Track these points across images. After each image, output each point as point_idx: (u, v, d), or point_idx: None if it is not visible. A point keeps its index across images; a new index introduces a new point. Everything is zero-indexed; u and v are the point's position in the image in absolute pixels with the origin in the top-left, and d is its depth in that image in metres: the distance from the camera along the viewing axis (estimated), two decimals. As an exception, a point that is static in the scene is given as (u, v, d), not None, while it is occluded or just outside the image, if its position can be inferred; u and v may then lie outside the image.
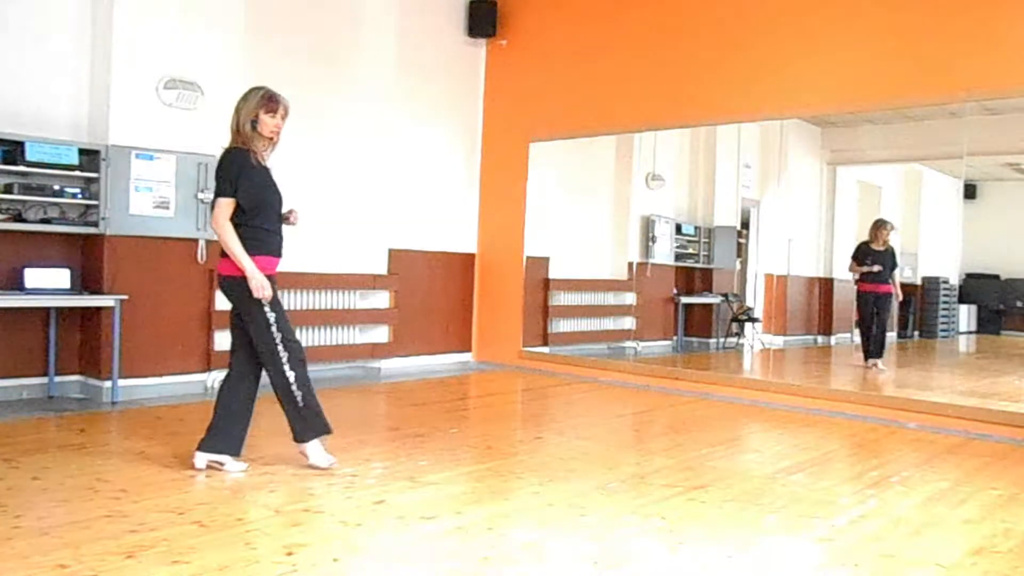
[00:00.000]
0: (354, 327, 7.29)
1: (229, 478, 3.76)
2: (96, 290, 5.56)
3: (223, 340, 5.99)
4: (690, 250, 8.94)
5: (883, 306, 7.61)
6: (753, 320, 8.80)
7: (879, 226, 7.67)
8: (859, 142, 8.15)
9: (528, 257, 8.17)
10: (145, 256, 5.72)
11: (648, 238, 8.63)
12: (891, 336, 8.02)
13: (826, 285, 8.47)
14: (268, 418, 4.32)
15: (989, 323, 8.68)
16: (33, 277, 5.32)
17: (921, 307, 8.33)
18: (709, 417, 5.89)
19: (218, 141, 5.75)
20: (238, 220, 3.75)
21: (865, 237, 7.74)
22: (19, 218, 5.26)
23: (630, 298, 8.61)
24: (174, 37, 5.81)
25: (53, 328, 5.59)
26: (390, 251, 7.62)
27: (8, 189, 5.21)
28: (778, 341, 8.58)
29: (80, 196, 5.47)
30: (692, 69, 7.00)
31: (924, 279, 8.30)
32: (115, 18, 5.55)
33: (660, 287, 8.74)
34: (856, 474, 4.33)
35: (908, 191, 8.62)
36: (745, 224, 8.94)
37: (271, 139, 3.87)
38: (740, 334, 8.93)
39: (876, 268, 7.55)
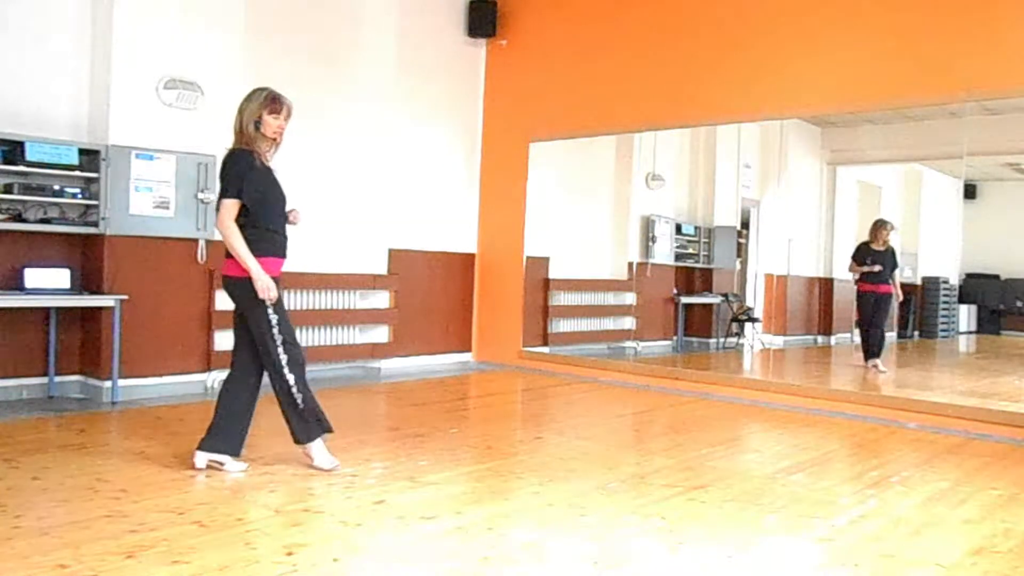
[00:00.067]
0: (354, 327, 7.29)
1: (229, 478, 3.76)
2: (96, 290, 5.56)
3: (223, 340, 6.01)
4: (690, 250, 8.95)
5: (883, 306, 7.61)
6: (753, 320, 8.80)
7: (879, 226, 7.67)
8: (859, 142, 8.15)
9: (528, 257, 8.17)
10: (145, 256, 5.72)
11: (648, 238, 8.63)
12: (891, 336, 8.03)
13: (826, 285, 8.48)
14: (268, 418, 4.32)
15: (989, 323, 8.68)
16: (33, 277, 5.32)
17: (921, 307, 8.33)
18: (709, 417, 5.89)
19: (218, 141, 5.76)
20: (243, 221, 3.75)
21: (865, 237, 7.75)
22: (19, 218, 5.26)
23: (630, 298, 8.61)
24: (174, 37, 5.81)
25: (53, 328, 5.59)
26: (390, 251, 7.62)
27: (8, 189, 5.21)
28: (778, 341, 8.58)
29: (80, 196, 5.47)
30: (692, 69, 7.00)
31: (924, 279, 8.31)
32: (115, 18, 5.56)
33: (660, 287, 8.74)
34: (856, 474, 4.33)
35: (908, 191, 8.62)
36: (745, 224, 8.94)
37: (274, 140, 3.87)
38: (740, 334, 8.93)
39: (876, 268, 7.55)
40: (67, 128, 5.62)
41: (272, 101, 3.81)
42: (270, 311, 3.79)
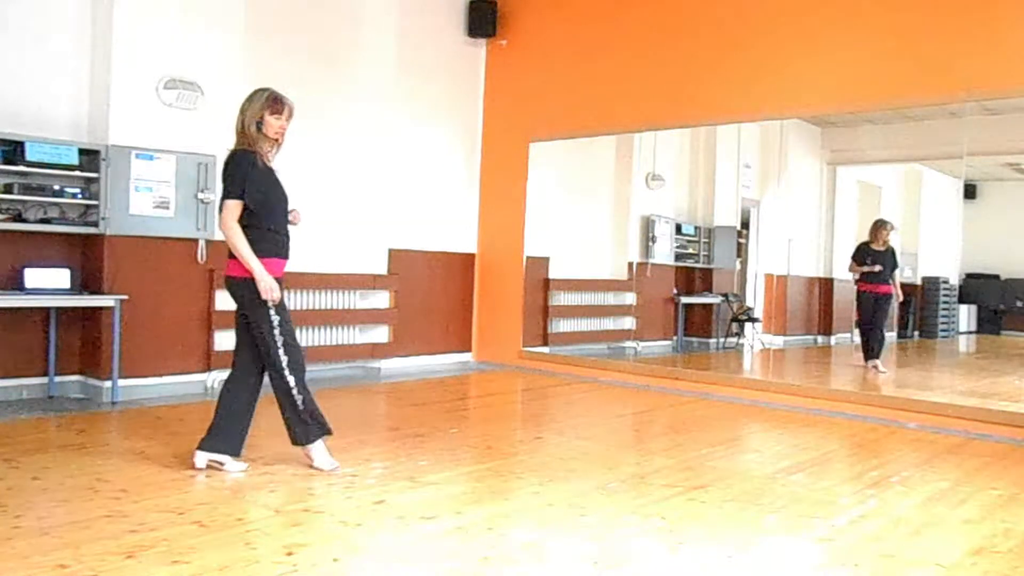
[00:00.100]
0: (354, 327, 7.29)
1: (229, 478, 3.76)
2: (96, 290, 5.56)
3: (223, 340, 6.01)
4: (690, 250, 8.94)
5: (883, 307, 7.61)
6: (753, 320, 8.80)
7: (879, 226, 7.67)
8: (859, 142, 8.15)
9: (528, 257, 8.17)
10: (145, 256, 5.72)
11: (648, 238, 8.63)
12: (891, 336, 8.03)
13: (826, 285, 8.47)
14: (268, 418, 4.31)
15: (989, 323, 8.68)
16: (33, 277, 5.32)
17: (921, 307, 8.33)
18: (709, 417, 5.89)
19: (218, 141, 5.77)
20: (246, 222, 3.75)
21: (865, 237, 7.74)
22: (19, 218, 5.26)
23: (630, 298, 8.61)
24: (174, 37, 5.81)
25: (53, 328, 5.59)
26: (390, 251, 7.62)
27: (8, 189, 5.21)
28: (778, 341, 8.58)
29: (80, 196, 5.47)
30: (692, 69, 7.00)
31: (924, 279, 8.31)
32: (115, 18, 5.56)
33: (660, 287, 8.74)
34: (856, 474, 4.33)
35: (908, 191, 8.62)
36: (745, 224, 8.94)
37: (276, 140, 3.87)
38: (740, 334, 8.93)
39: (876, 268, 7.55)
40: (67, 128, 5.62)
41: (274, 102, 3.81)
42: (272, 312, 3.79)
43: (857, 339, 7.95)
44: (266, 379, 3.93)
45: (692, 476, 4.08)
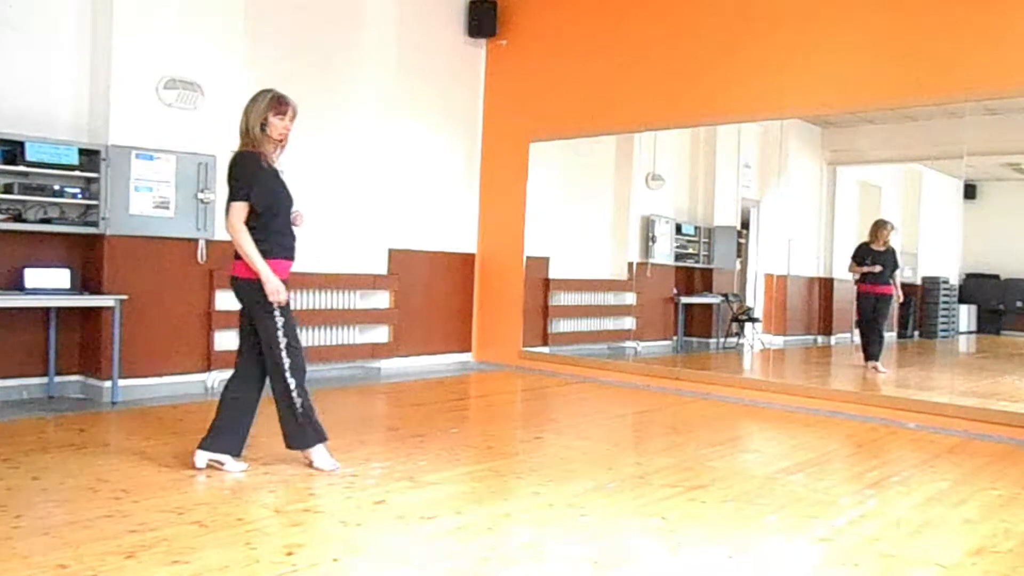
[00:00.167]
0: (354, 327, 7.29)
1: (229, 478, 3.76)
2: (96, 290, 5.56)
3: (223, 340, 6.01)
4: (690, 250, 8.94)
5: (883, 307, 7.60)
6: (753, 320, 8.80)
7: (879, 226, 7.67)
8: (859, 142, 8.15)
9: (528, 257, 8.17)
10: (145, 256, 5.72)
11: (648, 238, 8.63)
12: (891, 336, 8.02)
13: (826, 285, 8.48)
14: (268, 418, 4.31)
15: (989, 323, 8.68)
16: (33, 277, 5.32)
17: (921, 307, 8.33)
18: (709, 417, 5.88)
19: (218, 141, 5.78)
20: (252, 223, 3.74)
21: (865, 237, 7.74)
22: (19, 218, 5.27)
23: (630, 298, 8.61)
24: (174, 37, 5.81)
25: (53, 328, 5.59)
26: (390, 251, 7.62)
27: (8, 189, 5.21)
28: (778, 341, 8.58)
29: (80, 196, 5.47)
30: (692, 69, 7.00)
31: (924, 279, 8.30)
32: (115, 18, 5.56)
33: (660, 287, 8.74)
34: (856, 474, 4.33)
35: (908, 191, 8.62)
36: (745, 224, 8.94)
37: (280, 142, 3.87)
38: (740, 334, 8.93)
39: (876, 268, 7.55)
40: (67, 128, 5.62)
41: (278, 103, 3.80)
42: (277, 313, 3.79)
43: (857, 339, 7.95)
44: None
45: (692, 476, 4.08)
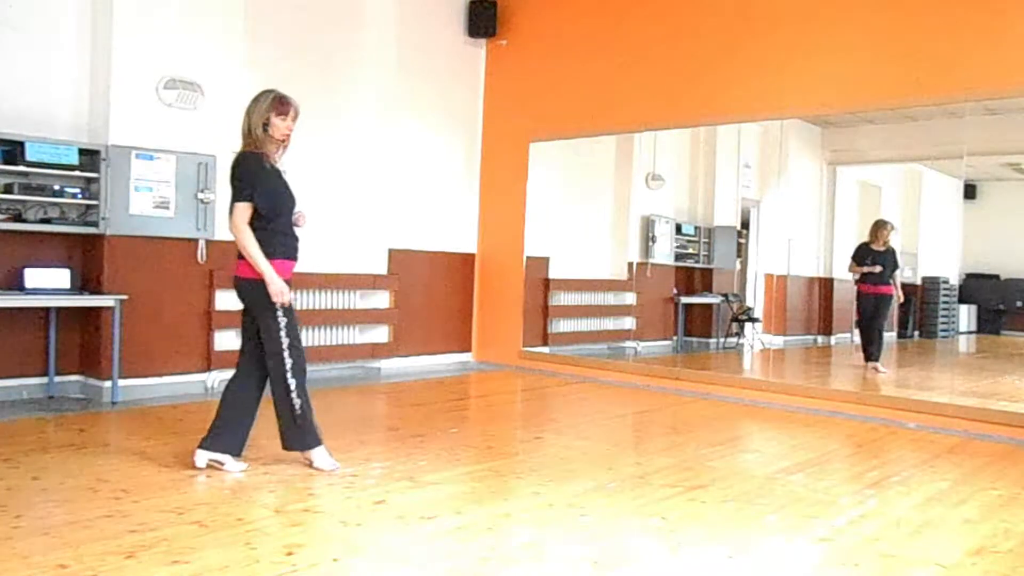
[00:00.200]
0: (354, 327, 7.29)
1: (229, 478, 3.76)
2: (96, 290, 5.56)
3: (223, 340, 6.01)
4: (690, 250, 8.94)
5: (883, 307, 7.60)
6: (753, 320, 8.80)
7: (879, 226, 7.66)
8: (859, 142, 8.15)
9: (528, 257, 8.16)
10: (145, 256, 5.72)
11: (648, 238, 8.63)
12: (891, 336, 8.02)
13: (826, 285, 8.48)
14: (268, 419, 4.31)
15: (989, 323, 8.68)
16: (33, 277, 5.32)
17: (921, 307, 8.33)
18: (709, 417, 5.88)
19: (218, 141, 5.78)
20: (255, 224, 3.74)
21: (865, 237, 7.74)
22: (19, 218, 5.27)
23: (630, 298, 8.61)
24: (174, 37, 5.81)
25: (53, 328, 5.59)
26: (390, 251, 7.62)
27: (8, 189, 5.21)
28: (778, 341, 8.58)
29: (80, 196, 5.47)
30: (692, 69, 7.00)
31: (924, 279, 8.30)
32: (115, 18, 5.56)
33: (660, 287, 8.74)
34: (856, 474, 4.33)
35: (908, 191, 8.62)
36: (745, 224, 8.94)
37: (282, 142, 3.87)
38: (740, 334, 8.93)
39: (876, 269, 7.55)
40: (67, 128, 5.61)
41: (280, 103, 3.80)
42: (279, 314, 3.79)
43: (857, 339, 7.95)
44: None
45: (692, 476, 4.08)
